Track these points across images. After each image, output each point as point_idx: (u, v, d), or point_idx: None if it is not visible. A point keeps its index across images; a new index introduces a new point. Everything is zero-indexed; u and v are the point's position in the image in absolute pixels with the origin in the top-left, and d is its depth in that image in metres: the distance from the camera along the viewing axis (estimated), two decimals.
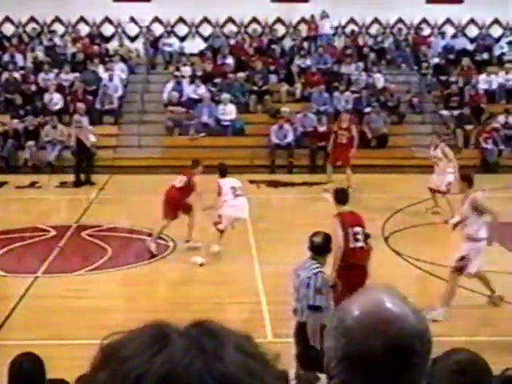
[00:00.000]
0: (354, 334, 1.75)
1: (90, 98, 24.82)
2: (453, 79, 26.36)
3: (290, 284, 12.64)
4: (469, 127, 24.45)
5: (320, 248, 8.32)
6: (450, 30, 28.69)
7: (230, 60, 26.82)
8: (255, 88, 25.74)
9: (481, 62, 27.48)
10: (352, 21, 28.48)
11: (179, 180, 15.25)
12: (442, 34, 28.41)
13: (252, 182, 20.85)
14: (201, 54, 27.40)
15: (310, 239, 8.42)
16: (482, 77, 26.58)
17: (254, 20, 28.27)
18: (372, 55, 27.26)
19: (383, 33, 28.47)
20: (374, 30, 28.62)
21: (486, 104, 25.71)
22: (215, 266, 13.67)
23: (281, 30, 28.53)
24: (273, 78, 26.51)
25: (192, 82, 25.68)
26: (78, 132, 21.03)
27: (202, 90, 25.27)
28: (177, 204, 14.86)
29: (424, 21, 28.59)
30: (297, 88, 25.97)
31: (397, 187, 20.21)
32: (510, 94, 26.52)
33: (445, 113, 25.40)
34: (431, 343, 1.80)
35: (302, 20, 28.38)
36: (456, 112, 25.17)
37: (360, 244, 10.03)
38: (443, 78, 26.68)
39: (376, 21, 28.51)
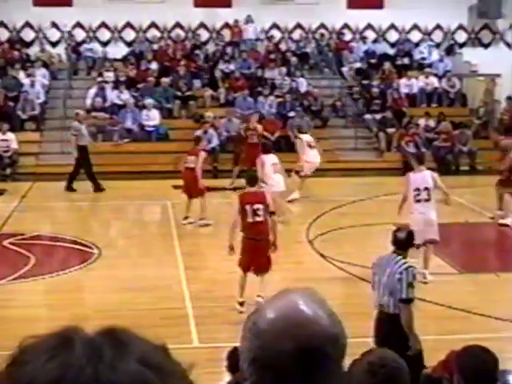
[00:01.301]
0: (266, 336, 1.74)
1: (11, 104, 24.43)
2: (374, 83, 26.73)
3: (217, 288, 12.70)
4: (391, 130, 24.81)
5: (403, 243, 8.69)
6: (371, 35, 29.07)
7: (153, 65, 26.71)
8: (179, 93, 25.68)
9: (401, 67, 27.92)
10: (275, 26, 28.63)
11: (190, 161, 16.94)
12: (364, 39, 28.77)
13: (176, 187, 20.77)
14: (124, 60, 27.22)
15: (393, 234, 8.83)
16: (403, 81, 27.02)
17: (178, 25, 28.20)
18: (295, 60, 27.45)
19: (306, 38, 28.69)
20: (296, 35, 28.82)
21: (407, 107, 26.14)
22: (140, 271, 13.57)
23: (204, 34, 28.51)
24: (197, 83, 26.48)
25: (115, 87, 25.50)
26: (76, 139, 20.74)
27: (126, 95, 25.10)
28: (190, 185, 16.70)
29: (345, 26, 28.90)
30: (221, 93, 25.99)
31: (321, 190, 20.38)
32: (431, 98, 27.01)
33: (367, 116, 25.74)
34: (345, 347, 1.79)
35: (226, 25, 28.43)
36: (378, 116, 25.52)
37: (259, 219, 11.29)
38: (365, 82, 27.03)
39: (298, 26, 28.71)
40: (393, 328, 8.24)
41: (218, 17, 28.17)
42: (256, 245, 11.41)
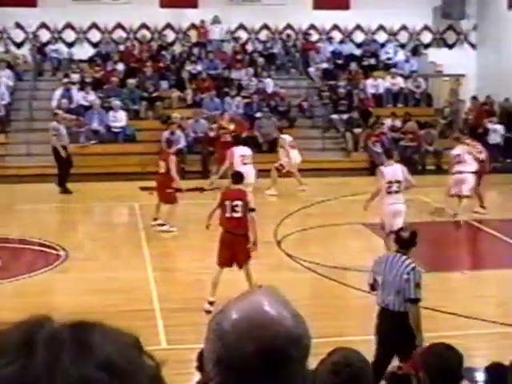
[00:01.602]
0: (229, 337, 1.73)
1: None
2: (341, 84, 26.84)
3: (186, 290, 12.69)
4: (357, 130, 24.94)
5: (407, 242, 8.81)
6: (337, 36, 29.18)
7: (119, 66, 26.61)
8: (146, 94, 25.62)
9: (368, 67, 28.07)
10: (241, 27, 28.65)
11: (160, 166, 16.80)
12: (330, 40, 28.88)
13: (144, 188, 20.72)
14: (90, 61, 27.09)
15: (397, 234, 9.02)
16: (369, 81, 27.17)
17: (144, 26, 28.12)
18: (262, 61, 27.49)
19: (272, 38, 28.74)
20: (263, 35, 28.86)
21: (373, 108, 26.29)
22: (108, 273, 13.53)
23: (170, 35, 28.45)
24: (163, 83, 26.43)
25: (81, 88, 25.38)
26: (55, 140, 20.58)
27: (92, 96, 24.99)
28: (165, 187, 16.42)
29: (312, 27, 28.99)
30: (188, 94, 25.96)
31: (288, 190, 20.42)
32: (397, 98, 27.19)
33: (334, 117, 25.84)
34: (309, 347, 1.78)
35: (192, 26, 28.39)
36: (345, 116, 25.64)
37: (237, 215, 11.74)
38: (332, 82, 27.13)
39: (265, 27, 28.76)
40: (397, 326, 8.41)
41: (185, 17, 28.13)
42: (234, 239, 11.79)
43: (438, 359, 4.78)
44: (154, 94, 25.67)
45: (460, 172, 17.40)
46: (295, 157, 20.67)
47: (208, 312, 11.08)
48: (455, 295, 12.40)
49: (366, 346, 8.46)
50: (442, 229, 16.93)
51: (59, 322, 1.27)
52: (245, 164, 17.02)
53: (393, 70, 27.77)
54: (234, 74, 26.85)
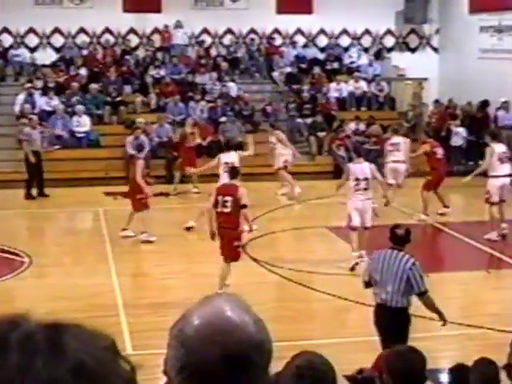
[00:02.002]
0: (192, 344, 1.73)
1: None
2: (305, 88, 26.94)
3: (151, 295, 12.65)
4: (321, 134, 25.03)
5: (402, 239, 8.97)
6: (301, 40, 29.27)
7: (83, 71, 26.48)
8: (109, 99, 25.52)
9: (331, 71, 28.19)
10: (205, 31, 28.64)
11: (131, 171, 16.48)
12: (294, 44, 28.96)
13: (108, 193, 20.66)
14: (53, 65, 26.92)
15: (392, 231, 9.05)
16: (333, 85, 27.29)
17: (107, 30, 28.00)
18: (226, 65, 27.50)
19: (236, 43, 28.77)
20: (227, 40, 28.87)
21: (337, 111, 26.41)
22: (72, 279, 13.45)
23: (134, 40, 28.37)
24: (127, 88, 26.35)
25: (44, 93, 25.21)
26: (25, 145, 20.41)
27: (55, 101, 24.84)
28: (136, 193, 16.00)
29: (276, 31, 29.06)
30: (152, 98, 25.91)
31: (253, 194, 20.40)
32: (360, 102, 27.33)
33: (298, 121, 25.91)
34: (271, 353, 1.79)
35: (156, 30, 28.33)
36: (309, 120, 25.72)
37: (226, 210, 11.98)
38: (295, 86, 27.22)
39: (229, 31, 28.77)
40: (395, 321, 8.58)
41: (148, 22, 28.06)
42: (223, 232, 12.10)
43: (401, 361, 4.81)
44: (118, 99, 25.57)
45: (395, 161, 18.70)
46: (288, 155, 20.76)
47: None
48: None
49: (331, 349, 8.50)
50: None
51: (35, 322, 1.26)
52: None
53: (356, 73, 27.91)
54: (198, 79, 26.84)
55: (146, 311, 11.74)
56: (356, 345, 10.39)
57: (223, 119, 24.99)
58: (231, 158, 16.80)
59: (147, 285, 13.43)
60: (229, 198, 12.02)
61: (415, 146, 23.56)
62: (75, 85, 25.40)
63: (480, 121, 24.14)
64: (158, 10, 27.73)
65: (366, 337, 10.73)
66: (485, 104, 25.28)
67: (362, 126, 25.43)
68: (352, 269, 13.63)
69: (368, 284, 9.04)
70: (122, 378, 1.28)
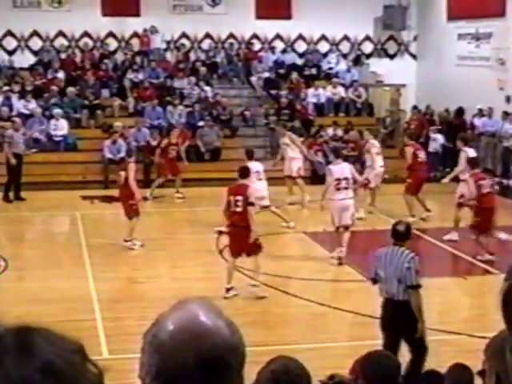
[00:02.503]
0: (167, 349, 1.73)
1: None
2: (283, 93, 26.98)
3: (128, 299, 12.62)
4: (299, 139, 25.02)
5: (403, 235, 9.32)
6: (279, 45, 29.32)
7: (60, 74, 26.39)
8: (87, 103, 25.45)
9: (309, 77, 28.25)
10: (184, 35, 28.63)
11: (122, 176, 16.09)
12: (272, 49, 29.00)
13: (85, 197, 20.60)
14: (31, 69, 26.82)
15: (393, 228, 9.42)
16: (311, 91, 27.35)
17: (85, 34, 27.92)
18: (204, 69, 27.50)
19: (215, 47, 28.77)
20: (205, 44, 28.86)
21: (315, 117, 26.47)
22: (49, 283, 13.40)
23: (113, 44, 28.31)
24: (105, 92, 26.29)
25: (22, 96, 25.10)
26: (6, 147, 20.33)
27: (33, 105, 24.74)
28: (128, 199, 15.77)
29: (254, 36, 29.09)
30: (130, 102, 25.86)
31: None
32: (338, 108, 27.41)
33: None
34: (244, 356, 1.80)
35: (134, 34, 28.29)
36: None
37: (238, 209, 12.48)
38: (274, 91, 27.26)
39: (208, 36, 28.77)
40: (401, 314, 8.87)
41: (127, 26, 28.02)
42: (238, 231, 12.58)
43: (375, 366, 4.84)
44: (95, 103, 25.51)
45: (382, 166, 19.38)
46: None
47: (225, 298, 12.13)
48: None
49: (307, 354, 8.53)
50: (382, 236, 17.08)
51: (5, 325, 1.28)
52: (260, 180, 16.89)
53: (334, 79, 27.99)
54: (177, 83, 26.82)
55: (123, 315, 11.71)
56: (332, 350, 10.42)
57: (201, 124, 24.99)
58: (257, 166, 16.99)
59: (125, 289, 13.40)
60: (239, 198, 12.55)
61: (393, 152, 23.72)
62: (53, 88, 25.32)
63: (457, 127, 24.26)
64: (136, 14, 27.72)
65: (342, 342, 10.79)
66: (460, 111, 25.44)
67: (339, 132, 25.50)
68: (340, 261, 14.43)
69: (375, 280, 9.36)
70: (90, 380, 1.29)
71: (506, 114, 23.76)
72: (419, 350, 8.88)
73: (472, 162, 15.98)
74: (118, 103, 25.78)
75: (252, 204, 12.66)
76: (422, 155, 18.51)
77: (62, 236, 18.27)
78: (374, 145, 19.53)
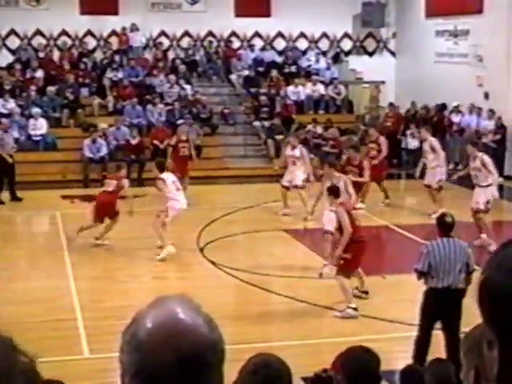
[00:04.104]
0: (146, 348, 1.72)
1: None
2: (263, 91, 27.01)
3: (108, 298, 12.59)
4: (279, 137, 25.09)
5: (452, 226, 9.62)
6: (258, 43, 29.34)
7: (39, 73, 26.28)
8: (66, 102, 25.36)
9: (289, 74, 28.30)
10: (163, 34, 28.58)
11: (108, 184, 16.01)
12: (252, 47, 29.01)
13: (65, 197, 20.52)
14: (9, 68, 26.68)
15: (442, 220, 9.72)
16: (291, 88, 27.39)
17: (64, 33, 27.81)
18: (183, 68, 27.47)
19: (194, 46, 28.75)
20: (184, 43, 28.83)
21: (295, 114, 26.51)
22: (29, 283, 13.35)
23: (91, 42, 28.21)
24: (84, 91, 26.21)
25: (0, 96, 24.98)
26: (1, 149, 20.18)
27: (12, 104, 24.62)
28: (107, 208, 15.60)
29: (234, 34, 29.09)
30: (109, 101, 25.80)
31: (211, 198, 20.46)
32: (318, 105, 27.46)
33: (256, 124, 25.98)
34: (224, 353, 1.80)
35: (113, 33, 28.21)
36: (267, 123, 25.79)
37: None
38: (253, 89, 27.28)
39: (187, 34, 28.75)
40: (459, 301, 9.19)
41: (105, 24, 27.93)
42: (361, 246, 11.91)
43: (355, 361, 4.88)
44: (75, 102, 25.41)
45: None
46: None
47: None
48: (375, 299, 12.57)
49: (288, 351, 8.55)
50: (366, 234, 17.14)
51: None
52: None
53: (314, 77, 28.04)
54: (156, 82, 26.77)
55: (104, 314, 11.69)
56: (313, 347, 10.46)
57: (181, 122, 24.96)
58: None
59: (106, 288, 13.37)
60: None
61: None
62: (32, 87, 25.22)
63: (436, 124, 24.36)
64: (115, 13, 27.65)
65: (322, 339, 10.82)
66: (442, 107, 25.57)
67: (319, 129, 25.56)
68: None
69: (423, 274, 9.46)
70: (22, 369, 1.31)
71: (480, 110, 23.99)
72: (458, 333, 9.08)
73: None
74: (97, 102, 25.71)
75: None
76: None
77: (42, 236, 18.20)
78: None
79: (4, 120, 21.67)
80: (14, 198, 20.15)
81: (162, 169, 15.33)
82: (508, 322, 1.45)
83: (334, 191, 12.49)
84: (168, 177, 15.16)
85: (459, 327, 9.16)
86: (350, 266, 11.86)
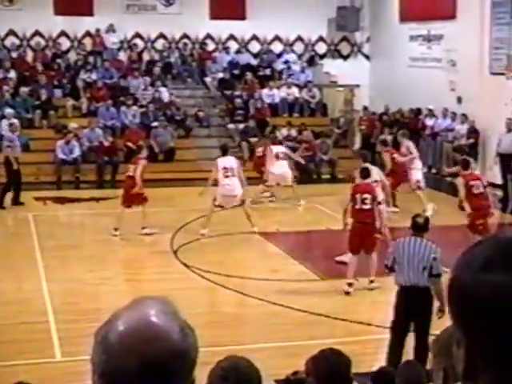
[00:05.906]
0: (113, 351, 1.71)
1: None
2: (237, 93, 27.02)
3: (81, 301, 12.54)
4: (254, 140, 25.11)
5: (423, 227, 9.91)
6: (234, 46, 29.34)
7: (12, 74, 26.12)
8: (39, 103, 25.22)
9: (264, 77, 28.32)
10: (138, 35, 28.51)
11: (131, 169, 16.73)
12: (226, 50, 29.01)
13: (38, 198, 20.41)
14: None
15: (413, 220, 10.00)
16: (265, 91, 27.41)
17: (37, 33, 27.66)
18: (158, 70, 27.42)
19: (169, 48, 28.70)
20: (159, 44, 28.78)
21: (269, 117, 26.53)
22: (1, 284, 13.25)
23: (65, 43, 28.08)
24: (58, 92, 26.07)
25: None
26: (10, 152, 20.00)
27: None
28: (128, 193, 16.50)
29: (209, 36, 29.08)
30: (83, 103, 25.68)
31: (185, 200, 20.42)
32: (292, 108, 27.50)
33: (231, 126, 25.97)
34: (195, 361, 1.77)
35: (87, 34, 28.09)
36: (241, 125, 25.80)
37: (366, 206, 13.01)
38: (228, 92, 27.28)
39: (161, 36, 28.69)
40: (423, 299, 9.43)
41: (80, 25, 27.81)
42: (364, 228, 12.99)
43: (325, 364, 4.91)
44: (48, 103, 25.27)
45: None
46: (279, 167, 20.27)
47: (347, 293, 12.77)
48: (350, 302, 12.61)
49: (261, 353, 8.58)
50: (339, 236, 17.19)
51: None
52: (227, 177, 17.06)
53: (288, 80, 28.08)
54: (130, 83, 26.70)
55: (76, 317, 11.63)
56: (286, 349, 10.47)
57: (155, 124, 24.91)
58: (229, 162, 17.14)
59: (78, 290, 13.30)
60: (367, 196, 13.08)
61: (347, 152, 23.89)
62: (4, 88, 25.05)
63: (410, 128, 24.45)
64: (90, 14, 27.54)
65: (296, 341, 10.83)
66: (418, 112, 25.69)
67: (293, 132, 25.60)
68: None
69: (391, 269, 9.86)
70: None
71: (454, 114, 24.13)
72: (427, 335, 9.21)
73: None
74: (71, 103, 25.58)
75: (380, 203, 13.47)
76: (399, 158, 19.30)
77: (14, 237, 18.05)
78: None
79: (15, 121, 21.55)
80: (16, 203, 19.93)
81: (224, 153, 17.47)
82: (474, 321, 1.47)
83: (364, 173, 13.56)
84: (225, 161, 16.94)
85: (428, 329, 9.23)
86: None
